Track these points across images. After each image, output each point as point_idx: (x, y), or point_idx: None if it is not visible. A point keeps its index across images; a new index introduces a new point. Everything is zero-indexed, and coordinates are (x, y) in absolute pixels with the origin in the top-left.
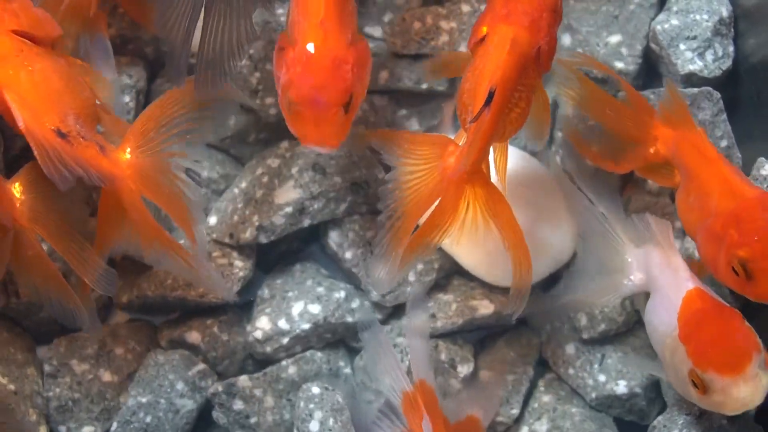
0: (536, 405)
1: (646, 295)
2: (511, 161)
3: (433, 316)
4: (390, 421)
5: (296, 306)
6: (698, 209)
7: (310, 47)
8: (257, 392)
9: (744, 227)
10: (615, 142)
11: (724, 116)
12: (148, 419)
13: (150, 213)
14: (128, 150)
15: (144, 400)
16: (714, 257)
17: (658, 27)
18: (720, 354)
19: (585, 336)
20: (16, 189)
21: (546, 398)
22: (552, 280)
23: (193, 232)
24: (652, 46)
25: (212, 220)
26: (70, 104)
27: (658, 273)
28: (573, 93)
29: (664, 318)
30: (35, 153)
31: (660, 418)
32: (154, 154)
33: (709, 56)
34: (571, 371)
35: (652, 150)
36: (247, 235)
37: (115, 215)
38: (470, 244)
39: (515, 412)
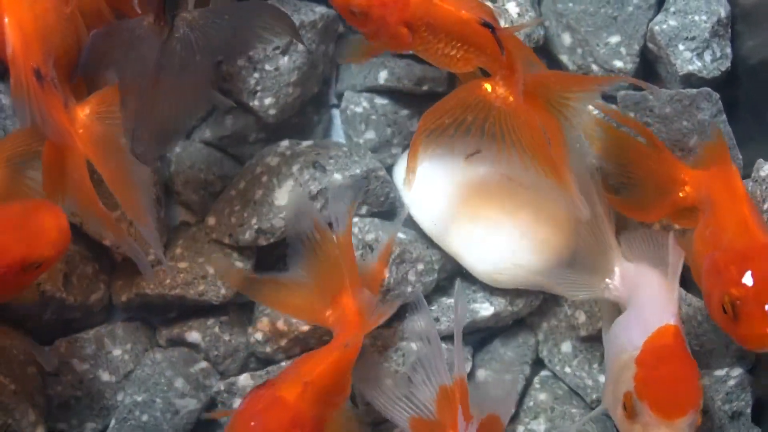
0: (531, 404)
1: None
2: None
3: (437, 319)
4: (410, 404)
5: None
6: (711, 242)
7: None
8: None
9: (745, 268)
10: (642, 190)
11: (724, 117)
12: (144, 418)
13: (89, 181)
14: (87, 109)
15: (139, 398)
16: (710, 289)
17: (656, 27)
18: (662, 393)
19: (583, 333)
20: None
21: (542, 396)
22: None
23: (137, 210)
24: (650, 45)
25: (211, 221)
26: (56, 47)
27: (648, 293)
28: (597, 143)
29: (632, 335)
30: (11, 81)
31: None
32: (110, 125)
33: (707, 57)
34: (567, 369)
35: (681, 194)
36: (247, 236)
37: (58, 169)
38: (472, 245)
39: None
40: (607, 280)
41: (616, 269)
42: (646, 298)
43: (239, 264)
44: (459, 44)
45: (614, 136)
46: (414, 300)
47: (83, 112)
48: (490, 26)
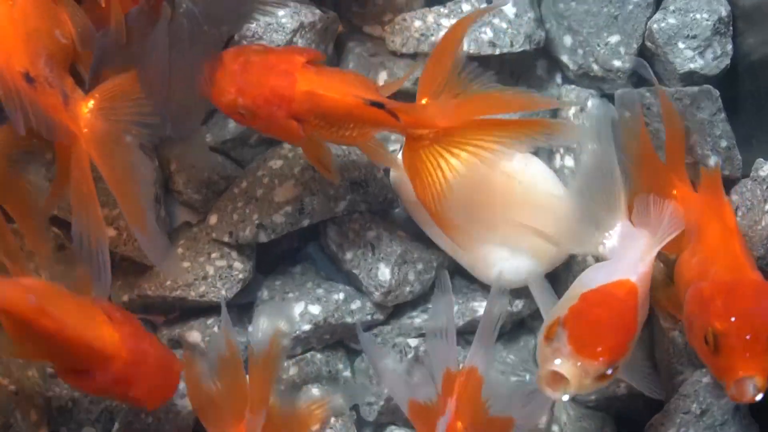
0: None
1: None
2: (512, 162)
3: None
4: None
5: (297, 307)
6: (697, 271)
7: None
8: None
9: (731, 302)
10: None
11: (723, 115)
12: (150, 420)
13: (92, 181)
14: (90, 104)
15: None
16: (692, 319)
17: (654, 26)
18: (585, 329)
19: None
20: None
21: None
22: (550, 277)
23: (135, 213)
24: (648, 44)
25: (212, 219)
26: (45, 46)
27: (631, 251)
28: (631, 137)
29: (595, 277)
30: (0, 91)
31: (657, 416)
32: (115, 120)
33: (708, 55)
34: None
35: None
36: (247, 233)
37: (68, 169)
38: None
39: None
40: (606, 234)
41: (618, 227)
42: (628, 253)
43: (238, 265)
44: (352, 125)
45: (644, 137)
46: (439, 278)
47: (86, 107)
48: (379, 104)
